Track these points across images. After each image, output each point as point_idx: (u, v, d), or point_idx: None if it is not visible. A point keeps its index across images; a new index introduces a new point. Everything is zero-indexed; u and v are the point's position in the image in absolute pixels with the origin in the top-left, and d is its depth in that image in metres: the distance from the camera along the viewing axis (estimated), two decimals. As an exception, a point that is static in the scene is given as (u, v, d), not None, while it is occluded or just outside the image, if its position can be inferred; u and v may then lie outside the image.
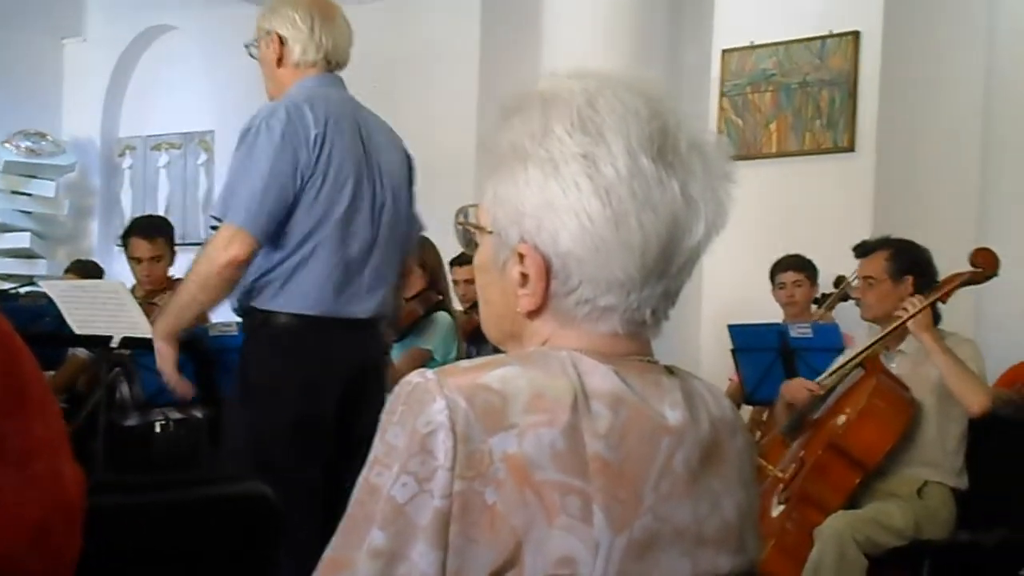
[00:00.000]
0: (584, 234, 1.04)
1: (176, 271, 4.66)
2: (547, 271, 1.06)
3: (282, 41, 2.69)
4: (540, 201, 1.05)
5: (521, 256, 1.07)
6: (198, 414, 4.12)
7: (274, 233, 2.60)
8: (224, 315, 4.61)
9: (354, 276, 2.69)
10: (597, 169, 1.04)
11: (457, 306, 4.88)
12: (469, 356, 4.43)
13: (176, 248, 4.73)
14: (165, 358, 2.65)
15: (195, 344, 3.97)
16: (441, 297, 4.42)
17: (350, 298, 2.69)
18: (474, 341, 4.61)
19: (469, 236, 1.16)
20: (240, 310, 2.74)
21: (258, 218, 2.55)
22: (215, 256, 2.56)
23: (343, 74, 2.82)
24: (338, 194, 2.63)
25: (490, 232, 1.11)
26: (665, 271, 1.07)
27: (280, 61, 2.71)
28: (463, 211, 1.17)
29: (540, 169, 1.06)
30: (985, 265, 3.64)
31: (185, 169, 8.10)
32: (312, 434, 2.64)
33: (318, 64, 2.70)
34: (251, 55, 2.81)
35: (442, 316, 4.36)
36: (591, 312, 1.07)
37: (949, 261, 3.68)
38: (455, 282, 4.92)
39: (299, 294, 2.63)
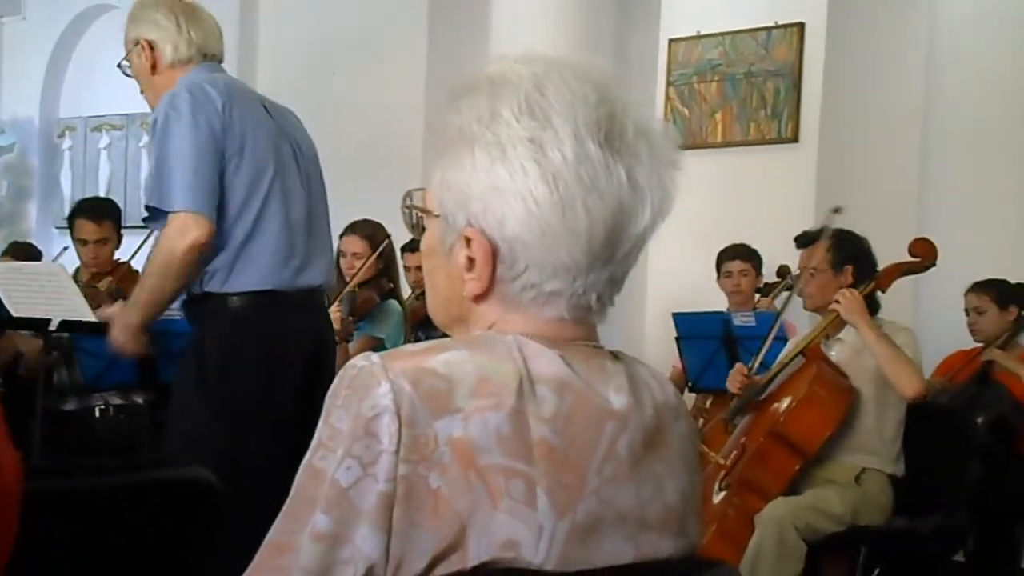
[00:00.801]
0: (531, 219, 1.04)
1: (122, 254, 4.60)
2: (493, 255, 1.06)
3: (151, 46, 2.68)
4: (487, 185, 1.06)
5: (468, 240, 1.07)
6: (139, 399, 4.07)
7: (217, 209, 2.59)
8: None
9: (299, 244, 2.68)
10: (544, 154, 1.04)
11: (408, 292, 4.86)
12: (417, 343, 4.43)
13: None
14: (128, 349, 2.63)
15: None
16: (392, 285, 4.40)
17: (299, 268, 2.67)
18: (423, 328, 4.60)
19: (416, 220, 1.15)
20: (189, 298, 2.70)
21: (200, 196, 2.53)
22: (175, 245, 2.53)
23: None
24: (262, 162, 2.62)
25: (437, 216, 1.10)
26: (611, 257, 1.07)
27: (154, 67, 2.69)
28: (409, 195, 1.17)
29: (487, 153, 1.06)
30: (924, 255, 3.70)
31: (127, 151, 7.97)
32: (277, 415, 2.61)
33: (193, 59, 2.69)
34: (125, 74, 2.79)
35: (393, 304, 4.34)
36: (537, 297, 1.07)
37: (889, 251, 3.74)
38: (406, 268, 4.90)
39: (250, 271, 2.61)
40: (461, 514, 0.98)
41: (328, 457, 1.00)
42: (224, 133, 2.56)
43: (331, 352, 2.88)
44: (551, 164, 1.04)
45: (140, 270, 4.57)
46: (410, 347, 1.06)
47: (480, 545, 0.98)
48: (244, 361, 2.61)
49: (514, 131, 1.05)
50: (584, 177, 1.04)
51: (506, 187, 1.05)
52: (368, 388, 1.00)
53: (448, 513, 0.98)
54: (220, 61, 2.76)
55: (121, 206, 4.96)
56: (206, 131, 2.54)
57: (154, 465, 1.60)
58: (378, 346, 4.22)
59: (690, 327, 4.48)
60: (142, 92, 2.79)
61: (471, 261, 1.07)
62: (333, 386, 1.04)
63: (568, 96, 1.05)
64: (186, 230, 2.51)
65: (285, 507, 1.02)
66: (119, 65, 2.80)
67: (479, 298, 1.09)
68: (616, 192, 1.05)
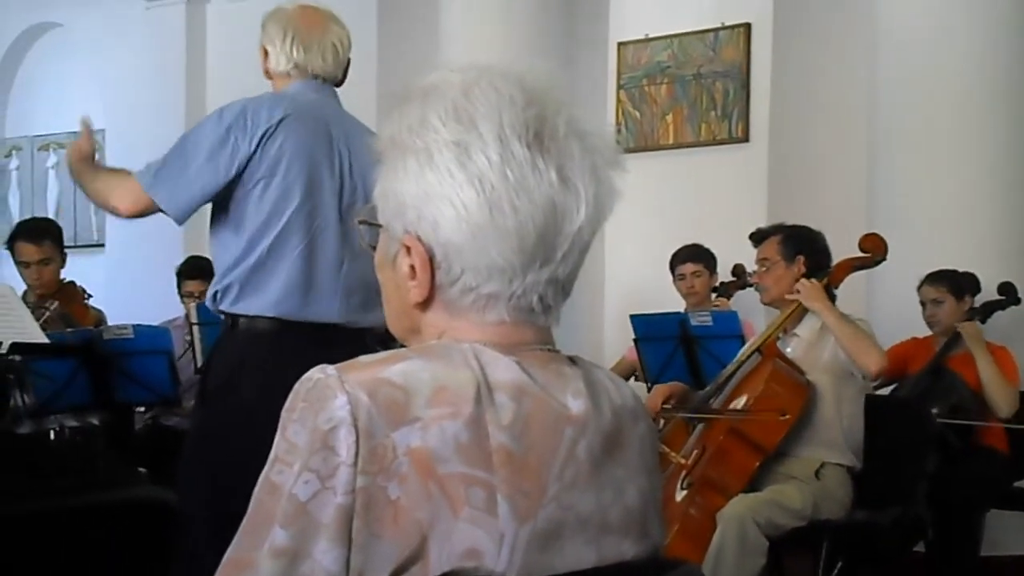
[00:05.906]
0: (460, 222, 1.05)
1: (68, 274, 4.55)
2: (431, 261, 1.07)
3: (266, 52, 2.84)
4: (418, 191, 1.06)
5: (408, 248, 1.08)
6: (94, 420, 4.03)
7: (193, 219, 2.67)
8: (119, 318, 4.52)
9: (322, 279, 2.66)
10: (469, 156, 1.05)
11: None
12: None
13: (66, 250, 4.61)
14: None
15: (90, 349, 3.88)
16: None
17: (316, 300, 2.65)
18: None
19: (372, 235, 1.15)
20: (215, 314, 2.75)
21: (166, 189, 2.62)
22: (120, 200, 2.68)
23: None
24: (289, 191, 2.63)
25: (380, 227, 1.11)
26: (548, 257, 1.07)
27: (268, 72, 2.86)
28: (361, 210, 1.17)
29: (416, 159, 1.07)
30: (874, 250, 3.75)
31: (75, 169, 7.88)
32: (258, 445, 2.57)
33: (291, 74, 2.80)
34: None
35: None
36: (476, 300, 1.08)
37: (841, 247, 3.78)
38: None
39: (259, 296, 2.61)
40: (421, 524, 0.98)
41: (285, 471, 0.99)
42: (252, 158, 2.61)
43: None
44: (476, 167, 1.04)
45: (84, 289, 4.56)
46: (366, 358, 1.05)
47: (441, 555, 0.98)
48: (237, 381, 2.60)
49: (440, 136, 1.06)
50: (511, 178, 1.04)
51: (436, 192, 1.05)
52: (324, 400, 1.00)
53: (408, 523, 0.98)
54: (330, 80, 2.82)
55: (70, 225, 4.92)
56: (229, 151, 2.60)
57: (109, 486, 1.58)
58: None
59: (648, 328, 4.50)
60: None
61: (412, 269, 1.08)
62: (289, 400, 1.03)
63: (494, 99, 1.06)
64: (134, 201, 2.65)
65: (243, 523, 1.01)
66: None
67: (423, 305, 1.10)
68: (546, 191, 1.05)
